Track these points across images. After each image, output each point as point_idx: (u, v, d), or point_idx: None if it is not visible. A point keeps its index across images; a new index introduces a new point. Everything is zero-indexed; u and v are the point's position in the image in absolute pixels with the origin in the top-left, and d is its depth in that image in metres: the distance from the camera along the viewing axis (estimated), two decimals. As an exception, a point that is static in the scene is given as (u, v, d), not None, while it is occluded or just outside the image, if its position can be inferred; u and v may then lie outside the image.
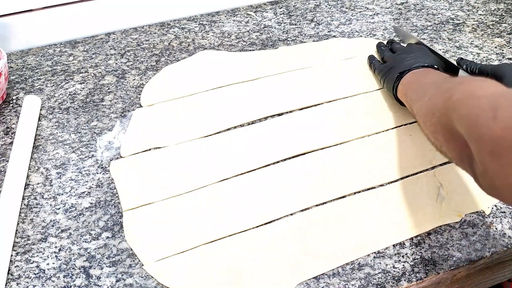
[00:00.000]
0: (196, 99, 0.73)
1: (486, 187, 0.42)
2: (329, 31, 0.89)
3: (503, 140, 0.37)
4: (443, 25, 0.90)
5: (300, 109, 0.71)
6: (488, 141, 0.39)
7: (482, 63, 0.76)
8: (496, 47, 0.84)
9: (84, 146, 0.66)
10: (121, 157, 0.64)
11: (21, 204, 0.58)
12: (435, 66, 0.65)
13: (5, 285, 0.50)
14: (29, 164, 0.63)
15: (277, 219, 0.56)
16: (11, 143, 0.66)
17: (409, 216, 0.57)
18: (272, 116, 0.70)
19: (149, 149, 0.65)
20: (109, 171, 0.62)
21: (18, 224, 0.56)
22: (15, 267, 0.52)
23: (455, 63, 0.72)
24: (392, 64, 0.69)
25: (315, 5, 0.97)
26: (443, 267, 0.52)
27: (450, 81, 0.52)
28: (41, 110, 0.72)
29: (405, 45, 0.79)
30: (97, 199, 0.59)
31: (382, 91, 0.74)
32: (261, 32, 0.89)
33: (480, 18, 0.92)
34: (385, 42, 0.81)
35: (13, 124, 0.69)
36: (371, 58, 0.78)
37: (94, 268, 0.51)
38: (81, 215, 0.57)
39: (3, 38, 0.83)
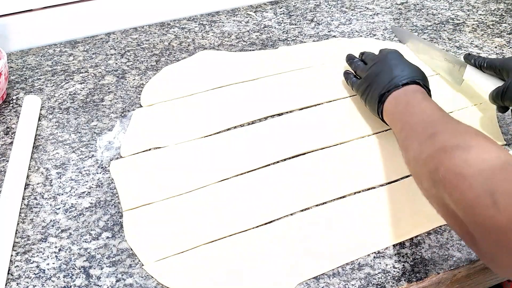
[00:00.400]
0: (196, 99, 0.73)
1: (494, 268, 0.40)
2: (329, 31, 0.89)
3: (511, 231, 0.34)
4: (443, 25, 0.90)
5: (300, 109, 0.71)
6: (493, 230, 0.36)
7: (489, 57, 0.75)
8: (496, 47, 0.84)
9: (84, 146, 0.66)
10: (121, 157, 0.64)
11: (21, 204, 0.58)
12: (417, 81, 0.60)
13: (5, 285, 0.50)
14: (29, 164, 0.63)
15: (277, 219, 0.56)
16: (11, 143, 0.66)
17: (409, 216, 0.57)
18: (272, 116, 0.70)
19: (149, 149, 0.65)
20: (109, 171, 0.62)
21: (18, 224, 0.56)
22: (15, 267, 0.52)
23: (461, 58, 0.72)
24: (368, 81, 0.64)
25: (315, 5, 0.97)
26: (443, 267, 0.52)
27: (431, 140, 0.47)
28: (41, 110, 0.72)
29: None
30: (97, 199, 0.59)
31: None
32: (261, 32, 0.89)
33: (480, 18, 0.92)
34: (356, 54, 0.75)
35: (13, 124, 0.69)
36: (346, 74, 0.73)
37: (94, 268, 0.51)
38: (81, 215, 0.57)
39: (3, 38, 0.83)
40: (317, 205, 0.58)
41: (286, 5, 0.97)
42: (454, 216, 0.41)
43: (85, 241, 0.54)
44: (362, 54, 0.73)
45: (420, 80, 0.61)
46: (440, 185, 0.42)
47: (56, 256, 0.53)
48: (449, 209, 0.42)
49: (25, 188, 0.60)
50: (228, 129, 0.68)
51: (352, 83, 0.70)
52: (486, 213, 0.36)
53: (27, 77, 0.78)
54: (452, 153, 0.42)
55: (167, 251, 0.53)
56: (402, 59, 0.65)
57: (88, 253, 0.53)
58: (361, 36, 0.87)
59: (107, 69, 0.80)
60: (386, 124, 0.63)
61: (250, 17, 0.93)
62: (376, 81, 0.63)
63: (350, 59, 0.74)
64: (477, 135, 0.45)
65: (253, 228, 0.55)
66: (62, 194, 0.59)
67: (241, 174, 0.61)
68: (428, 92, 0.61)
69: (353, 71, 0.72)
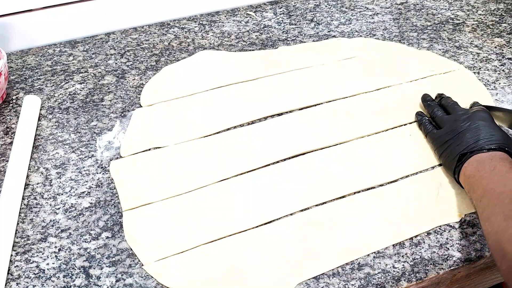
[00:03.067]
0: (196, 99, 0.73)
1: None
2: (329, 31, 0.89)
3: None
4: (443, 25, 0.90)
5: (300, 109, 0.71)
6: None
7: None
8: (496, 47, 0.84)
9: (84, 146, 0.66)
10: (120, 157, 0.64)
11: (21, 204, 0.58)
12: (503, 148, 0.56)
13: (5, 285, 0.50)
14: (29, 164, 0.63)
15: (277, 219, 0.56)
16: (11, 143, 0.66)
17: (409, 216, 0.57)
18: (272, 116, 0.70)
19: (149, 149, 0.65)
20: (109, 171, 0.62)
21: (18, 224, 0.56)
22: (15, 267, 0.52)
23: None
24: (449, 136, 0.60)
25: (315, 5, 0.97)
26: (443, 267, 0.52)
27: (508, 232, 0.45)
28: (41, 110, 0.72)
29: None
30: (97, 199, 0.59)
31: (382, 91, 0.74)
32: (261, 32, 0.88)
33: (480, 18, 0.92)
34: (432, 96, 0.70)
35: (13, 124, 0.69)
36: (420, 116, 0.67)
37: (94, 268, 0.51)
38: (81, 215, 0.57)
39: (3, 38, 0.83)
40: (317, 205, 0.58)
41: (286, 5, 0.97)
42: None
43: (85, 241, 0.54)
44: (440, 97, 0.69)
45: (509, 148, 0.56)
46: None
47: (56, 256, 0.53)
48: None
49: (25, 188, 0.60)
50: (228, 129, 0.68)
51: (427, 130, 0.65)
52: None
53: (27, 77, 0.78)
54: None
55: (167, 251, 0.53)
56: (492, 122, 0.60)
57: (88, 253, 0.53)
58: (361, 36, 0.87)
59: (107, 69, 0.80)
60: (461, 186, 0.58)
61: (250, 17, 0.93)
62: (459, 138, 0.58)
63: (426, 101, 0.69)
64: None
65: (253, 228, 0.55)
66: (62, 194, 0.59)
67: (241, 174, 0.61)
68: None
69: (427, 114, 0.68)
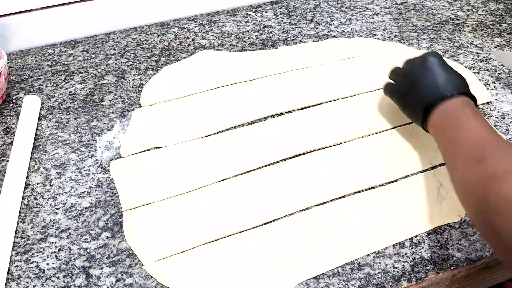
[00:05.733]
0: (196, 99, 0.73)
1: None
2: (329, 31, 0.89)
3: None
4: (443, 25, 0.90)
5: (300, 109, 0.71)
6: None
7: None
8: (496, 47, 0.84)
9: (84, 146, 0.66)
10: (121, 157, 0.64)
11: (21, 204, 0.58)
12: (465, 92, 0.56)
13: (5, 285, 0.50)
14: (29, 164, 0.63)
15: (277, 219, 0.56)
16: (11, 143, 0.66)
17: (409, 216, 0.57)
18: (272, 116, 0.70)
19: (149, 149, 0.65)
20: (109, 171, 0.62)
21: (18, 224, 0.56)
22: (15, 267, 0.52)
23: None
24: (405, 87, 0.60)
25: (315, 5, 0.97)
26: (443, 267, 0.52)
27: (480, 165, 0.46)
28: (41, 110, 0.72)
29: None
30: (97, 199, 0.59)
31: (382, 91, 0.74)
32: (261, 32, 0.89)
33: (480, 18, 0.92)
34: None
35: (13, 124, 0.69)
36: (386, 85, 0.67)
37: (94, 268, 0.51)
38: (81, 215, 0.57)
39: (3, 38, 0.83)
40: (317, 205, 0.58)
41: (286, 5, 0.97)
42: (504, 243, 0.41)
43: (85, 241, 0.54)
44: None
45: (468, 90, 0.57)
46: (490, 212, 0.42)
47: (56, 256, 0.53)
48: (501, 238, 0.41)
49: (25, 188, 0.60)
50: (228, 129, 0.68)
51: (384, 87, 0.65)
52: None
53: (27, 77, 0.78)
54: (502, 180, 0.42)
55: (167, 251, 0.53)
56: (445, 63, 0.59)
57: (88, 253, 0.53)
58: (361, 36, 0.87)
59: (107, 69, 0.80)
60: (428, 133, 0.59)
61: (250, 17, 0.93)
62: (416, 89, 0.58)
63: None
64: None
65: (253, 228, 0.55)
66: (62, 194, 0.59)
67: (241, 174, 0.61)
68: (475, 101, 0.57)
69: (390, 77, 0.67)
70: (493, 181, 0.43)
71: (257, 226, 0.56)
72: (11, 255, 0.53)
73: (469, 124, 0.52)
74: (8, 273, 0.51)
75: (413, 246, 0.54)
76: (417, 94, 0.58)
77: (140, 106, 0.72)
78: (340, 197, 0.59)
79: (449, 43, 0.85)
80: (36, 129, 0.68)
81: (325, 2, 0.98)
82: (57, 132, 0.68)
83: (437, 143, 0.57)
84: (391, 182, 0.61)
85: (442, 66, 0.59)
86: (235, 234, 0.55)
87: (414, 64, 0.61)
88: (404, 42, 0.85)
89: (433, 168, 0.62)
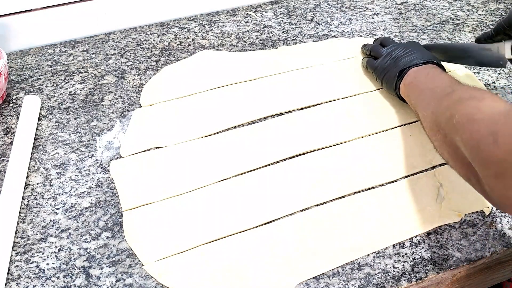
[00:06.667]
0: (196, 99, 0.73)
1: (495, 205, 0.45)
2: (329, 31, 0.89)
3: (506, 163, 0.39)
4: (443, 25, 0.90)
5: (300, 109, 0.71)
6: (492, 164, 0.41)
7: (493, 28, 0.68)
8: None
9: (84, 146, 0.66)
10: (121, 157, 0.64)
11: (21, 204, 0.58)
12: (434, 62, 0.65)
13: (5, 285, 0.50)
14: (29, 164, 0.63)
15: (277, 219, 0.56)
16: (11, 143, 0.66)
17: (409, 216, 0.57)
18: (272, 116, 0.70)
19: (149, 149, 0.65)
20: (109, 171, 0.62)
21: (18, 224, 0.56)
22: (15, 267, 0.52)
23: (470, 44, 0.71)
24: (388, 61, 0.69)
25: (315, 5, 0.97)
26: (443, 267, 0.52)
27: (449, 96, 0.52)
28: (41, 110, 0.72)
29: None
30: (97, 199, 0.59)
31: (382, 91, 0.74)
32: (261, 32, 0.88)
33: (480, 18, 0.92)
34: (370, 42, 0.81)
35: (13, 124, 0.69)
36: (364, 60, 0.77)
37: (94, 268, 0.51)
38: (81, 215, 0.57)
39: (3, 38, 0.83)
40: (317, 205, 0.58)
41: (286, 5, 0.97)
42: (462, 157, 0.46)
43: (85, 241, 0.54)
44: (376, 40, 0.79)
45: (438, 62, 0.66)
46: (453, 130, 0.47)
47: (56, 256, 0.53)
48: (458, 152, 0.47)
49: (25, 188, 0.60)
50: (228, 129, 0.68)
51: (367, 62, 0.74)
52: (488, 150, 0.41)
53: (27, 77, 0.78)
54: (466, 102, 0.48)
55: (167, 251, 0.53)
56: (422, 47, 0.70)
57: (88, 253, 0.53)
58: (361, 36, 0.87)
59: (107, 69, 0.80)
60: (403, 100, 0.67)
61: (250, 17, 0.93)
62: (396, 62, 0.67)
63: (364, 46, 0.79)
64: (489, 92, 0.50)
65: (253, 228, 0.55)
66: (62, 194, 0.59)
67: (241, 174, 0.61)
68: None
69: (366, 53, 0.78)
70: (458, 104, 0.49)
71: (257, 226, 0.56)
72: (11, 255, 0.53)
73: (440, 76, 0.60)
74: (8, 273, 0.51)
75: (413, 246, 0.54)
76: (395, 65, 0.67)
77: (140, 106, 0.72)
78: (340, 197, 0.59)
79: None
80: (36, 129, 0.68)
81: (325, 2, 0.98)
82: (57, 132, 0.68)
83: (409, 101, 0.64)
84: (391, 182, 0.61)
85: (420, 48, 0.69)
86: (235, 234, 0.55)
87: (397, 45, 0.71)
88: (404, 42, 0.85)
89: (433, 168, 0.62)
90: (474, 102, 0.47)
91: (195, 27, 0.90)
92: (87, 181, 0.61)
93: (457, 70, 0.78)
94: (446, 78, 0.59)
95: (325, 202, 0.58)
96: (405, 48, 0.68)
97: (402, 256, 0.53)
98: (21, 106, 0.71)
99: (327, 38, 0.87)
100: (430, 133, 0.55)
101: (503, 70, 0.79)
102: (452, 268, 0.52)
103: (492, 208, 0.58)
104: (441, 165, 0.62)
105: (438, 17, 0.93)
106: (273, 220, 0.56)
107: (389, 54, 0.69)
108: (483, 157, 0.42)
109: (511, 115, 0.42)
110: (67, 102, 0.73)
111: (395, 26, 0.90)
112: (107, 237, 0.55)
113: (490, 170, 0.41)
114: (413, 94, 0.62)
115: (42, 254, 0.53)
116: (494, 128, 0.41)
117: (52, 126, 0.69)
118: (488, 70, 0.79)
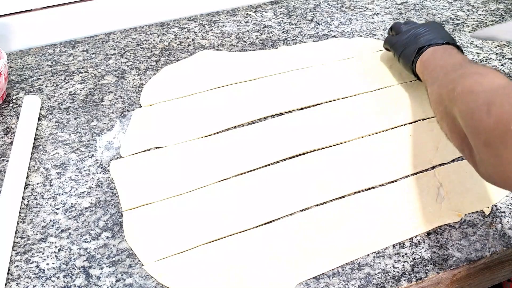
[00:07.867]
0: (196, 99, 0.73)
1: (483, 175, 0.45)
2: (329, 31, 0.89)
3: (496, 131, 0.41)
4: (443, 25, 0.90)
5: (300, 109, 0.71)
6: (482, 133, 0.42)
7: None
8: (496, 47, 0.84)
9: (84, 146, 0.66)
10: (121, 157, 0.64)
11: (21, 204, 0.58)
12: (455, 44, 0.66)
13: (5, 285, 0.50)
14: (29, 164, 0.63)
15: (277, 219, 0.56)
16: (11, 143, 0.66)
17: (409, 216, 0.57)
18: (272, 116, 0.70)
19: (149, 149, 0.65)
20: (109, 171, 0.62)
21: (18, 224, 0.56)
22: (15, 267, 0.52)
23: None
24: (408, 38, 0.69)
25: (315, 5, 0.97)
26: (443, 267, 0.52)
27: (456, 71, 0.54)
28: (41, 110, 0.72)
29: None
30: (97, 199, 0.59)
31: (381, 91, 0.74)
32: (261, 32, 0.89)
33: (480, 18, 0.92)
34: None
35: (13, 124, 0.69)
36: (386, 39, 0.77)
37: (94, 268, 0.51)
38: (81, 215, 0.57)
39: (3, 38, 0.83)
40: (317, 205, 0.58)
41: (286, 5, 0.97)
42: (459, 130, 0.47)
43: (85, 241, 0.54)
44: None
45: (458, 45, 0.67)
46: (453, 101, 0.48)
47: (56, 256, 0.53)
48: (456, 123, 0.48)
49: (25, 188, 0.60)
50: (228, 129, 0.68)
51: (386, 38, 0.75)
52: (480, 119, 0.42)
53: (27, 77, 0.78)
54: (470, 76, 0.49)
55: (167, 251, 0.53)
56: (444, 29, 0.71)
57: (88, 253, 0.53)
58: (361, 36, 0.87)
59: (107, 69, 0.80)
60: (418, 78, 0.68)
61: (250, 17, 0.93)
62: (417, 40, 0.68)
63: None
64: (495, 70, 0.50)
65: (253, 228, 0.55)
66: (62, 194, 0.59)
67: (241, 174, 0.61)
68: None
69: (389, 33, 0.77)
70: (462, 78, 0.50)
71: (257, 226, 0.56)
72: (11, 255, 0.53)
73: (456, 55, 0.61)
74: (8, 273, 0.51)
75: (413, 246, 0.54)
76: (415, 42, 0.68)
77: (140, 106, 0.72)
78: (340, 197, 0.59)
79: (449, 43, 0.85)
80: (36, 129, 0.68)
81: (325, 2, 0.98)
82: (57, 132, 0.68)
83: (422, 78, 0.65)
84: (391, 182, 0.61)
85: (442, 29, 0.70)
86: (235, 234, 0.55)
87: (418, 24, 0.71)
88: (404, 42, 0.85)
89: (433, 168, 0.62)
90: (477, 77, 0.48)
91: (195, 27, 0.90)
92: (87, 181, 0.61)
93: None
94: (460, 57, 0.60)
95: (325, 202, 0.58)
96: (427, 27, 0.69)
97: (402, 256, 0.53)
98: (21, 106, 0.71)
99: (327, 38, 0.87)
100: (433, 106, 0.56)
101: (503, 70, 0.78)
102: (452, 268, 0.52)
103: (492, 208, 0.58)
104: (441, 165, 0.62)
105: (438, 17, 0.93)
106: (273, 220, 0.56)
107: (410, 30, 0.70)
108: (475, 125, 0.43)
109: (508, 88, 0.43)
110: (67, 102, 0.73)
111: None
112: (107, 237, 0.55)
113: (481, 138, 0.42)
114: (427, 70, 0.63)
115: (42, 254, 0.53)
116: (490, 99, 0.43)
117: (52, 126, 0.69)
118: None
